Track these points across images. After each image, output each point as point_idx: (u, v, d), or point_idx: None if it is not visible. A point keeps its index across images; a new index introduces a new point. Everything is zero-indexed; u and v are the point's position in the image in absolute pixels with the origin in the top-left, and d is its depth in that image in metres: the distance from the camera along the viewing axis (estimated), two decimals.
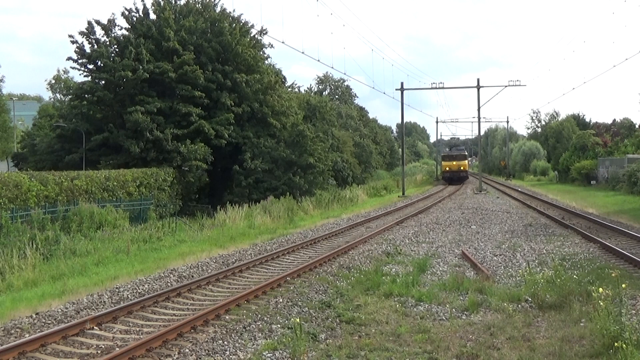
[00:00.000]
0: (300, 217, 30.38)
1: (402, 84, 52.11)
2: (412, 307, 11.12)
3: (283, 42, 41.88)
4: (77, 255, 17.93)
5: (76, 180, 25.74)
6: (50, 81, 71.97)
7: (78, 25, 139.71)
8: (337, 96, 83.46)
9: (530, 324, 9.83)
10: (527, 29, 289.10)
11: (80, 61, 36.15)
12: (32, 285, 14.23)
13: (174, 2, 40.65)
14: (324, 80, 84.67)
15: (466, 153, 75.76)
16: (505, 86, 51.11)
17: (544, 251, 17.38)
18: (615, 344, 7.43)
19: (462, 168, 69.55)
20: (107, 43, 36.61)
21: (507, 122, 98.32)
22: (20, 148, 49.04)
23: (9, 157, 50.80)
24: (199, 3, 41.44)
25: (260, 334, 9.33)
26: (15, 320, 10.39)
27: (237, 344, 8.83)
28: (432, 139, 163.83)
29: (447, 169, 70.22)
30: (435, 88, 52.73)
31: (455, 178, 68.57)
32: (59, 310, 10.99)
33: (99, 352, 8.65)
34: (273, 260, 16.36)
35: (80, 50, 36.03)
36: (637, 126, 67.96)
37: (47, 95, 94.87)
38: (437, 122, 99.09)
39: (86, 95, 36.61)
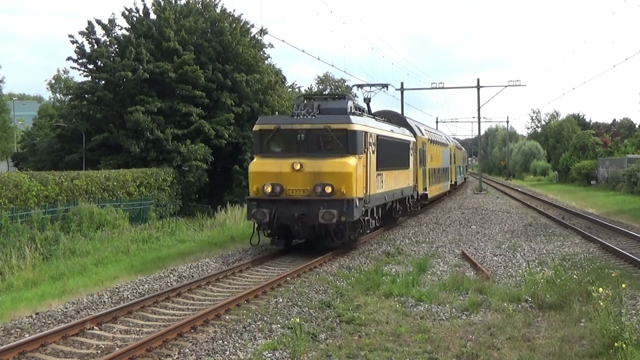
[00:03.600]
0: None
1: (402, 83, 51.88)
2: (412, 307, 11.12)
3: (283, 41, 41.54)
4: (77, 255, 17.94)
5: (76, 180, 25.73)
6: (50, 81, 72.03)
7: (78, 25, 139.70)
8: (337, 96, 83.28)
9: (530, 324, 9.84)
10: (527, 29, 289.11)
11: (80, 61, 36.17)
12: (32, 285, 14.24)
13: (174, 2, 40.65)
14: (324, 80, 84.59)
15: (364, 124, 16.72)
16: (505, 86, 50.92)
17: (544, 251, 17.38)
18: (615, 344, 7.44)
19: (327, 190, 15.27)
20: (107, 43, 36.64)
21: (507, 122, 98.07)
22: (20, 148, 49.08)
23: (9, 157, 50.81)
24: (199, 3, 41.43)
25: (260, 334, 9.32)
26: (15, 320, 10.38)
27: (237, 344, 8.83)
28: None
29: (270, 189, 15.67)
30: (435, 88, 52.57)
31: (305, 228, 15.59)
32: (59, 310, 10.98)
33: (99, 352, 8.65)
34: (273, 260, 16.35)
35: (80, 50, 36.05)
36: (637, 126, 67.95)
37: (47, 95, 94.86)
38: (437, 122, 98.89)
39: (86, 95, 36.63)
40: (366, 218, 17.00)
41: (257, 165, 16.41)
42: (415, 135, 25.75)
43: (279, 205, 15.60)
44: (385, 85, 22.55)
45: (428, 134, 31.05)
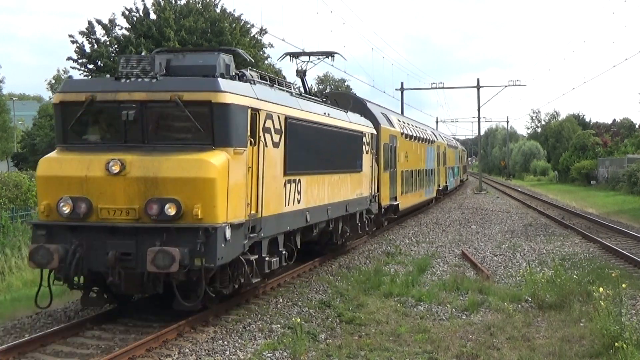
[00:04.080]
0: None
1: (402, 84, 52.03)
2: (412, 307, 11.13)
3: (283, 40, 41.60)
4: None
5: None
6: (50, 81, 72.01)
7: (78, 25, 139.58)
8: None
9: (530, 324, 9.84)
10: (527, 29, 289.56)
11: (80, 61, 36.18)
12: (31, 285, 14.21)
13: (174, 2, 40.66)
14: (324, 80, 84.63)
15: (252, 97, 9.95)
16: (505, 86, 51.07)
17: (544, 251, 17.40)
18: (615, 344, 7.44)
19: (169, 211, 8.75)
20: (107, 43, 36.66)
21: (507, 122, 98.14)
22: (20, 148, 49.16)
23: (9, 157, 50.83)
24: (199, 3, 41.45)
25: (260, 334, 9.33)
26: (15, 320, 10.38)
27: (237, 344, 8.83)
28: None
29: (69, 209, 8.99)
30: (435, 88, 52.67)
31: (130, 280, 9.09)
32: (59, 310, 10.98)
33: (99, 352, 8.64)
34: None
35: (80, 50, 36.06)
36: (637, 126, 68.00)
37: (47, 95, 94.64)
38: (437, 122, 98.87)
39: None
40: (256, 257, 10.18)
41: (50, 164, 9.37)
42: (378, 126, 19.34)
43: (83, 236, 8.92)
44: (331, 54, 16.19)
45: (401, 126, 23.94)
